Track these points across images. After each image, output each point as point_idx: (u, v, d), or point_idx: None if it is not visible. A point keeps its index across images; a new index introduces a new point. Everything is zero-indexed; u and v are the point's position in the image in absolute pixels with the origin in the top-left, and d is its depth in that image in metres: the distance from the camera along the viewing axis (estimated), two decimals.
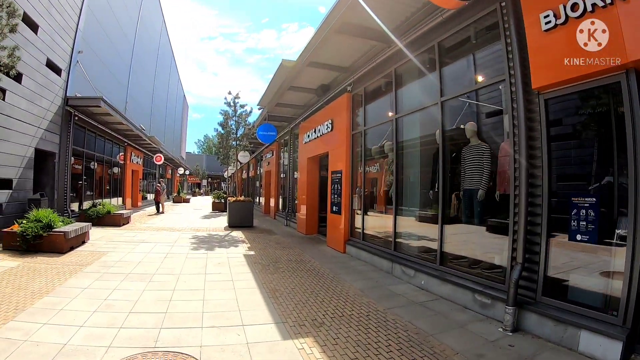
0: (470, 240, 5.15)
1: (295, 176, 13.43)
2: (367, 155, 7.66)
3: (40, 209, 7.43)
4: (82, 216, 11.22)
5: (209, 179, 62.61)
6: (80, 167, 12.20)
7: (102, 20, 13.27)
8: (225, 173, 33.29)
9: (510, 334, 3.64)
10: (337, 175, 8.56)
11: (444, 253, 5.19)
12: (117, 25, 15.33)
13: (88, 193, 13.16)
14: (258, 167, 24.18)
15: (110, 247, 7.74)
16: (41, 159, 9.62)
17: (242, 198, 13.46)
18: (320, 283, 5.48)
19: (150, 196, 23.98)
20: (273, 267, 6.49)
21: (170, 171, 35.91)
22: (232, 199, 12.98)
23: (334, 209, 8.73)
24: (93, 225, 10.87)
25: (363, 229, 7.61)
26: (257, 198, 24.19)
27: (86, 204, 12.21)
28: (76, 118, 11.07)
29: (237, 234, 10.98)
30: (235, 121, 14.12)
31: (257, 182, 24.71)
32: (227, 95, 13.83)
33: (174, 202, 29.32)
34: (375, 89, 7.55)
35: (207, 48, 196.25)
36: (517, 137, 3.88)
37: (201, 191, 54.65)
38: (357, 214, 8.02)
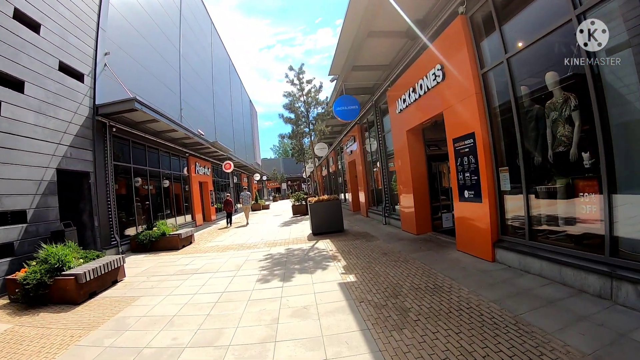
0: None
1: (389, 160, 11.22)
2: (518, 100, 5.07)
3: (64, 243, 6.49)
4: (134, 243, 10.41)
5: (288, 181, 63.64)
6: (130, 185, 11.48)
7: (134, 22, 12.38)
8: (304, 173, 32.54)
9: None
10: (466, 142, 6.08)
11: None
12: (155, 27, 14.46)
13: (147, 214, 12.46)
14: (339, 161, 22.70)
15: (146, 287, 6.28)
16: (72, 181, 8.81)
17: (325, 197, 11.47)
18: (501, 345, 3.06)
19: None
20: (395, 309, 4.12)
21: (245, 179, 36.17)
22: (312, 199, 11.13)
23: (467, 195, 6.25)
24: (147, 251, 10.23)
25: (529, 221, 5.04)
26: (342, 195, 22.69)
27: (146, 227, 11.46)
28: (114, 129, 10.16)
29: (325, 244, 9.12)
30: (304, 101, 12.10)
31: (340, 178, 23.18)
32: (287, 72, 11.98)
33: (252, 210, 29.07)
34: None
35: (268, 57, 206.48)
36: None
37: (281, 195, 55.33)
38: (509, 199, 5.49)
